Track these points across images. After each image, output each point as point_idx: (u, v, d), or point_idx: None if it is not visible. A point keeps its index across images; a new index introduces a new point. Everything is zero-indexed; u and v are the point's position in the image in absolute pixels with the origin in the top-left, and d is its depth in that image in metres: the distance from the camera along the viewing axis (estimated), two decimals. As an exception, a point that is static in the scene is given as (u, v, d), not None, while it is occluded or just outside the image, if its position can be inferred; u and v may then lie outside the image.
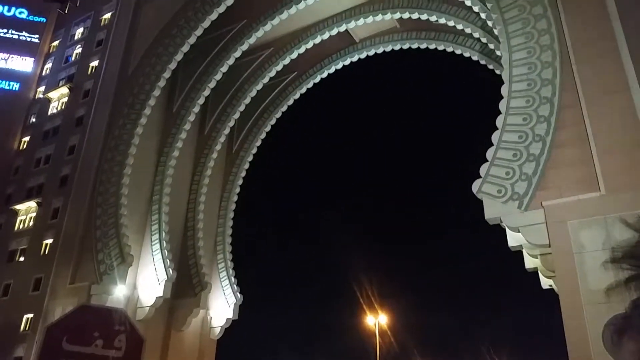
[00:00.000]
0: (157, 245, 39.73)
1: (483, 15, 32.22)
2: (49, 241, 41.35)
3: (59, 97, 50.19)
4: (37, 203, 44.18)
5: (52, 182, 44.59)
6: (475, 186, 23.32)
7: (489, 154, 23.76)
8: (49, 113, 50.22)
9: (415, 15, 39.94)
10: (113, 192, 38.96)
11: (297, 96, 49.52)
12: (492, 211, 22.48)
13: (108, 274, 35.86)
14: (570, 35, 24.10)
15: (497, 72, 37.28)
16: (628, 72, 21.98)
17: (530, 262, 24.85)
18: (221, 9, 40.26)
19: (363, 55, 46.88)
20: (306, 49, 45.22)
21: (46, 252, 41.12)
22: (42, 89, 53.43)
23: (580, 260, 19.69)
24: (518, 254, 25.19)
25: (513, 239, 23.20)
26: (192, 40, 41.28)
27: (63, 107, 49.17)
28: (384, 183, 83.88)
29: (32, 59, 55.43)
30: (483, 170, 23.45)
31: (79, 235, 38.85)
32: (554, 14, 24.96)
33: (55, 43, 56.30)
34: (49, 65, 55.18)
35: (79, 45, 52.79)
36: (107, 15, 51.95)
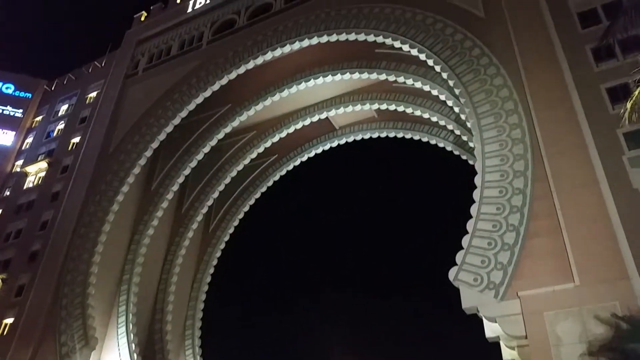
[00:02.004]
0: (123, 329, 38.25)
1: (456, 109, 33.86)
2: (10, 320, 39.29)
3: (36, 171, 49.85)
4: (2, 279, 42.43)
5: (21, 257, 43.14)
6: (451, 274, 23.35)
7: (465, 241, 24.02)
8: (25, 187, 49.60)
9: (392, 107, 41.89)
10: (82, 270, 37.85)
11: (277, 178, 50.19)
12: (469, 300, 22.37)
13: (69, 358, 33.94)
14: (541, 130, 25.28)
15: (471, 162, 38.67)
16: (596, 166, 22.96)
17: (507, 354, 24.42)
18: (207, 93, 41.61)
19: (342, 142, 48.36)
20: (287, 133, 46.53)
21: (5, 333, 38.92)
22: (20, 162, 53.13)
23: (557, 353, 19.49)
24: (495, 346, 24.80)
25: (490, 330, 22.96)
26: (176, 121, 42.14)
27: (40, 181, 48.71)
28: (361, 266, 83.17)
29: (14, 133, 55.55)
30: (459, 257, 23.59)
31: (43, 314, 37.07)
32: (525, 110, 26.33)
33: (39, 118, 56.80)
34: (29, 139, 55.27)
35: (62, 122, 53.31)
36: (93, 94, 53.05)
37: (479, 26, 31.02)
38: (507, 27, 29.70)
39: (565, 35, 27.26)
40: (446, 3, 33.30)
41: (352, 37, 36.31)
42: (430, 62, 32.17)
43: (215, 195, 47.25)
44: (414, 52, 33.02)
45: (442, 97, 35.13)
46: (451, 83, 30.30)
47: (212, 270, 47.83)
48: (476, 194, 25.11)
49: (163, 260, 44.70)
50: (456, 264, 23.51)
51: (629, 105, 17.02)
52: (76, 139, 49.59)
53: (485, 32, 30.43)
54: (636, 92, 16.74)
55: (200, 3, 49.91)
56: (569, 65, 26.18)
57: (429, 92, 36.43)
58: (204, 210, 46.82)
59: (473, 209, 24.74)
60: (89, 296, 36.27)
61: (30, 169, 50.36)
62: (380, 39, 34.91)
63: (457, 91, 29.84)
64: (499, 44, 29.45)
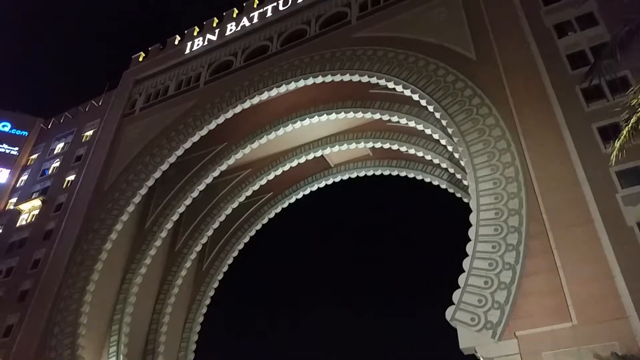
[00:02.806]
0: (114, 370, 37.29)
1: (450, 148, 34.24)
2: (-4, 363, 38.28)
3: (30, 209, 49.60)
4: (-11, 320, 41.50)
5: (10, 296, 42.37)
6: (448, 313, 23.16)
7: (461, 280, 23.91)
8: (18, 225, 49.22)
9: (387, 145, 42.35)
10: (73, 310, 37.23)
11: (272, 215, 50.12)
12: (466, 341, 22.10)
13: (57, 401, 32.95)
14: (534, 168, 25.56)
15: (465, 200, 38.87)
16: (590, 204, 23.14)
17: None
18: (204, 131, 41.98)
19: (337, 179, 48.60)
20: (283, 171, 46.77)
21: (-11, 376, 37.87)
22: (14, 200, 52.91)
23: (557, 394, 19.18)
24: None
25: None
26: (172, 159, 42.32)
27: (33, 219, 48.40)
28: (354, 304, 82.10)
29: (8, 171, 55.53)
30: (456, 297, 23.45)
31: (32, 356, 36.15)
32: (517, 149, 26.68)
33: (34, 156, 56.91)
34: (24, 177, 55.20)
35: (58, 160, 53.41)
36: (89, 133, 53.37)
37: (470, 68, 31.72)
38: (498, 68, 30.41)
39: (555, 76, 27.92)
40: (438, 46, 34.14)
41: (346, 77, 37.00)
42: (423, 102, 32.73)
43: (210, 233, 47.00)
44: (407, 92, 33.62)
45: (436, 136, 35.57)
46: (444, 122, 30.74)
47: (204, 310, 47.12)
48: (472, 232, 25.14)
49: (155, 299, 44.03)
50: (453, 303, 23.34)
51: (617, 144, 17.34)
52: (71, 177, 49.57)
53: (477, 74, 31.10)
54: (624, 131, 17.09)
55: (198, 45, 50.91)
56: (560, 105, 26.71)
57: (423, 130, 36.90)
58: (198, 248, 46.48)
59: (469, 247, 24.72)
60: (79, 336, 35.54)
61: (24, 206, 50.11)
62: (374, 80, 35.57)
63: (450, 130, 30.24)
64: (490, 85, 30.05)
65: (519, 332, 21.15)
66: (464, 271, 24.08)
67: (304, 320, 77.79)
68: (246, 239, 49.51)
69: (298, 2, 46.14)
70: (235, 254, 49.04)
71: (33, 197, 50.65)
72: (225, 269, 48.59)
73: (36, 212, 48.98)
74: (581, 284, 21.30)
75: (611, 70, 17.36)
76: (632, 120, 16.71)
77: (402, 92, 34.22)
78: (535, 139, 26.49)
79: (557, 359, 19.98)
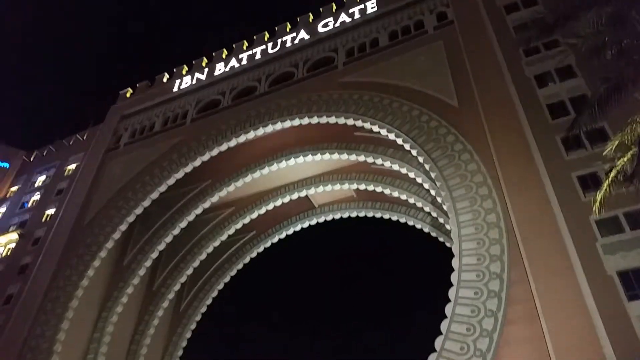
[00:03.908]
0: (84, 413, 35.77)
1: (433, 192, 34.57)
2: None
3: (6, 242, 48.35)
4: (-44, 357, 39.79)
5: (-21, 334, 40.74)
6: (430, 360, 22.84)
7: (443, 326, 23.70)
8: (-8, 259, 47.85)
9: (370, 187, 42.64)
10: (44, 349, 35.89)
11: (254, 254, 49.55)
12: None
13: None
14: (515, 215, 25.84)
15: (448, 244, 38.93)
16: (571, 252, 23.33)
17: None
18: (188, 168, 41.88)
19: (321, 220, 48.49)
20: (267, 210, 46.55)
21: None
22: (-10, 233, 51.60)
23: None
24: None
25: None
26: (154, 195, 41.95)
27: (9, 253, 47.15)
28: (334, 344, 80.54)
29: (-14, 203, 54.42)
30: (438, 344, 23.23)
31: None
32: (499, 195, 27.03)
33: (14, 188, 55.92)
34: (2, 209, 53.99)
35: (38, 193, 52.55)
36: (72, 167, 52.81)
37: (453, 115, 32.44)
38: (479, 116, 31.13)
39: (536, 125, 28.63)
40: (422, 93, 34.98)
41: (332, 120, 37.57)
42: (407, 146, 33.22)
43: (189, 272, 46.15)
44: (392, 136, 34.16)
45: (419, 180, 35.93)
46: (427, 167, 31.17)
47: (180, 353, 45.75)
48: (454, 278, 25.10)
49: (130, 339, 42.72)
50: (435, 350, 23.05)
51: (598, 197, 17.66)
52: (51, 211, 48.70)
53: (459, 121, 31.78)
54: (605, 185, 17.43)
55: (186, 83, 51.39)
56: (541, 154, 27.28)
57: (406, 174, 37.26)
58: (177, 287, 45.53)
59: (451, 293, 24.62)
60: (49, 376, 34.18)
61: (0, 239, 48.90)
62: (359, 123, 36.13)
63: (432, 175, 30.63)
64: (472, 132, 30.69)
65: (501, 381, 20.86)
66: (446, 317, 23.89)
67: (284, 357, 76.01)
68: (226, 279, 48.68)
69: (287, 45, 47.17)
70: (214, 294, 48.10)
71: (10, 230, 49.47)
72: (203, 309, 47.51)
73: (12, 245, 47.78)
74: (563, 332, 21.23)
75: (590, 123, 17.89)
76: (612, 174, 17.10)
77: (387, 135, 34.75)
78: (516, 186, 26.88)
79: (538, 409, 19.65)
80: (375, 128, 35.20)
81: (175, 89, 51.64)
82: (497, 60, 33.37)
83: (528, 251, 24.20)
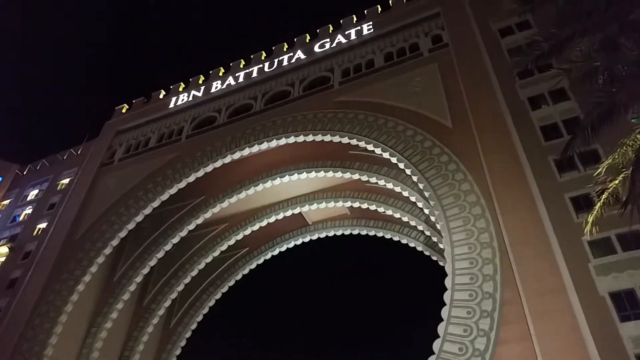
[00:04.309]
0: None
1: (426, 211, 34.76)
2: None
3: (-4, 256, 47.92)
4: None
5: (-36, 348, 40.06)
6: (423, 382, 22.77)
7: (436, 345, 23.69)
8: (-19, 273, 47.27)
9: (364, 205, 42.77)
10: (32, 364, 35.34)
11: (246, 271, 49.30)
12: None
13: None
14: (508, 235, 26.01)
15: (441, 263, 39.02)
16: (563, 273, 23.47)
17: None
18: (182, 184, 41.87)
19: (315, 237, 48.46)
20: (260, 227, 46.48)
21: None
22: (-21, 246, 51.08)
23: None
24: None
25: None
26: (147, 211, 41.83)
27: (-2, 266, 46.67)
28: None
29: (-23, 216, 53.95)
30: (430, 363, 23.16)
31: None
32: (492, 215, 27.24)
33: (6, 202, 55.53)
34: (-7, 223, 53.64)
35: (30, 207, 52.22)
36: (65, 181, 52.61)
37: (447, 135, 32.81)
38: (473, 137, 31.50)
39: (529, 146, 28.97)
40: (416, 113, 35.41)
41: (327, 138, 37.85)
42: (401, 165, 33.48)
43: (180, 288, 45.81)
44: (386, 155, 34.45)
45: (413, 199, 36.14)
46: (421, 186, 31.40)
47: (170, 370, 45.20)
48: (447, 296, 25.16)
49: (119, 356, 42.17)
50: (427, 370, 23.00)
51: (590, 219, 17.90)
52: (42, 225, 48.36)
53: (453, 141, 32.15)
54: (597, 207, 17.69)
55: (182, 100, 51.64)
56: (534, 175, 27.57)
57: (400, 193, 37.47)
58: (167, 303, 45.14)
59: (444, 312, 24.66)
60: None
61: (-10, 253, 48.41)
62: (354, 142, 36.43)
63: (426, 194, 30.85)
64: (466, 153, 31.02)
65: (494, 402, 20.80)
66: (438, 336, 23.89)
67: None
68: (218, 295, 48.33)
69: (283, 65, 47.67)
70: (205, 310, 47.68)
71: (0, 243, 49.05)
72: (194, 326, 47.06)
73: (2, 259, 47.31)
74: (555, 353, 21.28)
75: (582, 145, 18.22)
76: (604, 197, 17.38)
77: (381, 154, 35.03)
78: (509, 206, 27.12)
79: None
80: (370, 147, 35.51)
81: (171, 106, 51.85)
82: (491, 82, 33.89)
83: (521, 271, 24.33)
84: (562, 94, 30.88)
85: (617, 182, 17.12)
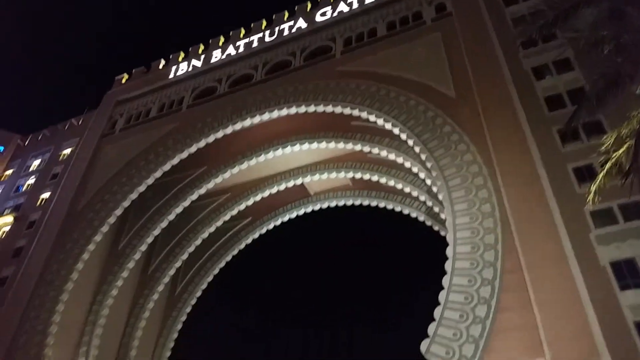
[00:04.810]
0: (80, 395, 36.13)
1: (428, 182, 34.90)
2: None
3: (1, 225, 48.30)
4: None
5: (-27, 315, 40.84)
6: (423, 346, 23.27)
7: (437, 313, 24.12)
8: (-14, 242, 47.81)
9: (367, 176, 42.80)
10: (40, 330, 36.17)
11: (249, 241, 49.77)
12: (440, 375, 22.21)
13: None
14: (510, 205, 26.18)
15: (442, 233, 39.37)
16: (564, 243, 23.72)
17: None
18: (183, 154, 41.92)
19: (317, 207, 48.71)
20: (262, 197, 46.69)
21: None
22: (-16, 215, 51.50)
23: None
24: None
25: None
26: (150, 180, 41.99)
27: (3, 235, 47.16)
28: (327, 328, 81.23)
29: (-19, 186, 54.22)
30: (431, 329, 23.61)
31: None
32: (494, 185, 27.37)
33: (9, 172, 55.74)
34: (-3, 192, 53.94)
35: (33, 177, 52.45)
36: (67, 151, 52.69)
37: (450, 105, 32.68)
38: (477, 107, 31.40)
39: (532, 116, 28.90)
40: (419, 83, 35.16)
41: (329, 109, 37.66)
42: (403, 136, 33.45)
43: (185, 257, 46.35)
44: (388, 125, 34.37)
45: (415, 170, 36.22)
46: (423, 157, 31.44)
47: (175, 335, 46.14)
48: (448, 265, 25.50)
49: (125, 322, 43.01)
50: (428, 336, 23.47)
51: (593, 188, 18.03)
52: (46, 195, 48.65)
53: (456, 111, 32.04)
54: (600, 176, 17.80)
55: (182, 70, 51.22)
56: (537, 145, 27.58)
57: (402, 163, 37.53)
58: (172, 272, 45.76)
59: (445, 281, 25.03)
60: (44, 357, 34.40)
61: (-5, 222, 48.84)
62: (356, 112, 36.29)
63: (428, 164, 30.92)
64: (469, 123, 30.96)
65: (493, 367, 21.33)
66: (439, 304, 24.32)
67: (278, 345, 76.65)
68: (222, 264, 48.95)
69: (284, 34, 47.11)
70: (210, 278, 48.39)
71: (5, 213, 49.43)
72: (199, 294, 47.82)
73: (7, 228, 47.78)
74: (555, 321, 21.67)
75: (587, 115, 18.24)
76: (607, 166, 17.46)
77: (383, 125, 34.94)
78: (511, 176, 27.23)
79: (529, 394, 20.16)
80: (372, 117, 35.38)
81: (171, 76, 51.49)
82: (495, 52, 33.56)
83: (522, 241, 24.60)
84: (566, 64, 30.67)
85: (620, 152, 17.19)
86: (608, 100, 17.10)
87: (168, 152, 42.66)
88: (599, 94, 17.08)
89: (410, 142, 32.83)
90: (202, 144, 41.96)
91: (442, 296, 24.56)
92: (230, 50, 49.53)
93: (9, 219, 48.10)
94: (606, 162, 17.62)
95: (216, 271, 48.72)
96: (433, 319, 24.02)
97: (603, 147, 18.13)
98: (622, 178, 16.58)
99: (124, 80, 56.22)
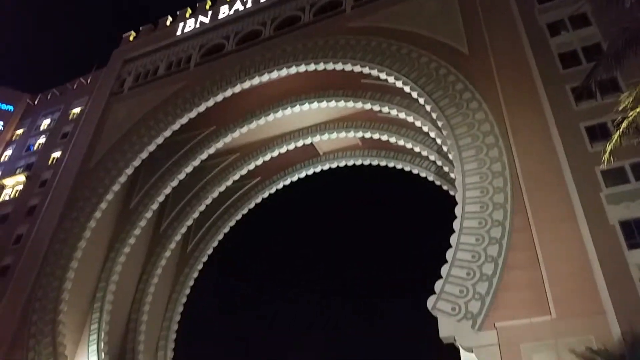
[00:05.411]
0: (95, 347, 37.44)
1: (439, 141, 34.54)
2: (-24, 335, 38.00)
3: (14, 184, 48.98)
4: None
5: (-9, 271, 41.95)
6: (430, 302, 23.53)
7: (444, 270, 24.26)
8: (0, 200, 48.60)
9: (376, 136, 42.41)
10: (55, 286, 37.10)
11: (258, 200, 50.05)
12: (446, 329, 22.52)
13: (36, 375, 32.96)
14: (520, 164, 25.92)
15: (452, 193, 39.24)
16: (574, 202, 23.58)
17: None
18: (192, 114, 41.73)
19: (326, 167, 48.62)
20: (271, 157, 46.64)
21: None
22: (-3, 174, 52.19)
23: (533, 384, 19.66)
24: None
25: (467, 359, 23.07)
26: (159, 140, 42.04)
27: (17, 194, 47.83)
28: (337, 290, 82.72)
29: (-7, 145, 54.67)
30: (438, 286, 23.80)
31: (12, 330, 35.96)
32: (505, 144, 27.02)
33: (20, 131, 56.08)
34: (8, 152, 54.37)
35: (44, 136, 52.73)
36: (77, 110, 52.70)
37: (462, 62, 31.95)
38: (490, 64, 30.67)
39: (546, 74, 28.26)
40: (431, 39, 34.32)
41: (339, 66, 37.01)
42: (414, 94, 32.91)
43: (196, 215, 46.82)
44: (399, 84, 33.77)
45: (425, 129, 35.81)
46: (434, 115, 31.00)
47: (188, 291, 47.18)
48: (456, 224, 25.48)
49: (138, 279, 43.97)
50: (435, 293, 23.71)
51: (608, 148, 17.68)
52: (57, 154, 49.01)
53: (469, 68, 31.34)
54: (615, 136, 17.44)
55: (189, 27, 50.38)
56: (550, 104, 27.06)
57: (413, 123, 37.10)
58: (183, 230, 46.35)
59: (453, 239, 25.07)
60: (60, 313, 35.47)
61: (8, 181, 49.46)
62: (366, 70, 35.64)
63: (439, 123, 30.51)
64: (481, 80, 30.33)
65: (499, 324, 21.58)
66: (447, 262, 24.45)
67: (288, 308, 78.34)
68: (232, 223, 49.44)
69: (293, -13, 45.86)
70: (220, 237, 48.97)
71: (17, 172, 50.03)
72: (210, 251, 48.57)
73: (20, 187, 48.41)
74: (562, 278, 21.75)
75: (603, 73, 17.71)
76: (623, 125, 17.06)
77: (394, 83, 34.36)
78: (523, 135, 26.84)
79: (534, 350, 20.45)
80: (383, 75, 34.74)
81: (178, 33, 50.74)
82: (510, 6, 32.56)
83: (531, 200, 24.47)
84: (583, 19, 29.72)
85: (638, 110, 16.75)
86: (627, 57, 16.54)
87: (177, 111, 42.49)
88: (618, 50, 16.50)
89: (421, 101, 32.33)
90: (210, 103, 41.68)
91: (449, 254, 24.66)
92: (238, 5, 48.50)
93: (21, 178, 48.67)
94: (622, 121, 17.21)
95: (227, 229, 49.22)
96: (440, 276, 24.18)
97: (620, 106, 17.65)
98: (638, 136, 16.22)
99: (131, 38, 55.56)
